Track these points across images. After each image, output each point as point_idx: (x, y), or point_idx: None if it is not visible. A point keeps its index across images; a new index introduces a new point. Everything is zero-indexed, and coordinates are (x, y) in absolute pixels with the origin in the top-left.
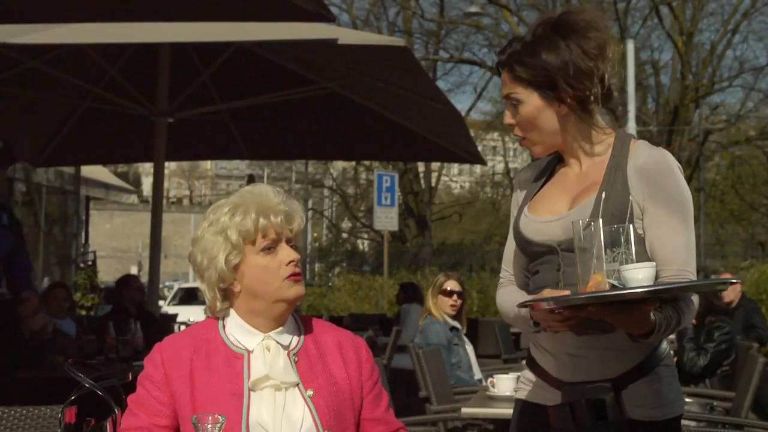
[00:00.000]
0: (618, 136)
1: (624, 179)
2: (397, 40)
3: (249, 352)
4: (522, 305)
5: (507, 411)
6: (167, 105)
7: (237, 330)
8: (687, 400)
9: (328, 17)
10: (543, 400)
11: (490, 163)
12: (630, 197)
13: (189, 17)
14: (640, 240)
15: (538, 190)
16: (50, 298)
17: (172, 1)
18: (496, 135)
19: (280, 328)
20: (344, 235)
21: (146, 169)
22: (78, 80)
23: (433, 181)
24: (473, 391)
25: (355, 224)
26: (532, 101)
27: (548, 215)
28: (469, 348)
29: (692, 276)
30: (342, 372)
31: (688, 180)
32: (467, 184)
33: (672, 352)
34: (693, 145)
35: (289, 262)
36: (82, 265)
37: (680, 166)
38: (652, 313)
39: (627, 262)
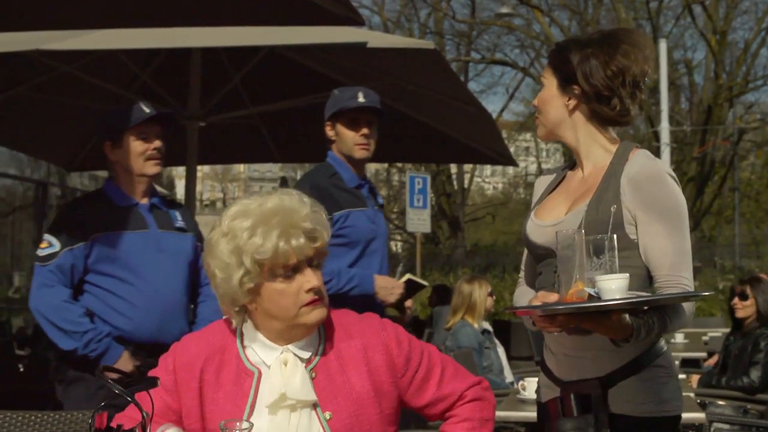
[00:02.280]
0: (621, 145)
1: (616, 186)
2: (427, 43)
3: (260, 371)
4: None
5: None
6: (199, 109)
7: (254, 342)
8: (720, 403)
9: (356, 21)
10: (549, 398)
11: (522, 164)
12: (621, 204)
13: (219, 22)
14: (633, 245)
15: (547, 195)
16: None
17: (202, 7)
18: (528, 136)
19: (303, 341)
20: None
21: (180, 172)
22: (110, 85)
23: (466, 182)
24: (504, 394)
25: (388, 226)
26: (550, 87)
27: (548, 219)
28: (501, 351)
29: (686, 281)
30: (366, 384)
31: (723, 180)
32: (500, 185)
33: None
34: (727, 144)
35: (309, 290)
36: None
37: (674, 175)
38: (630, 319)
39: (611, 271)
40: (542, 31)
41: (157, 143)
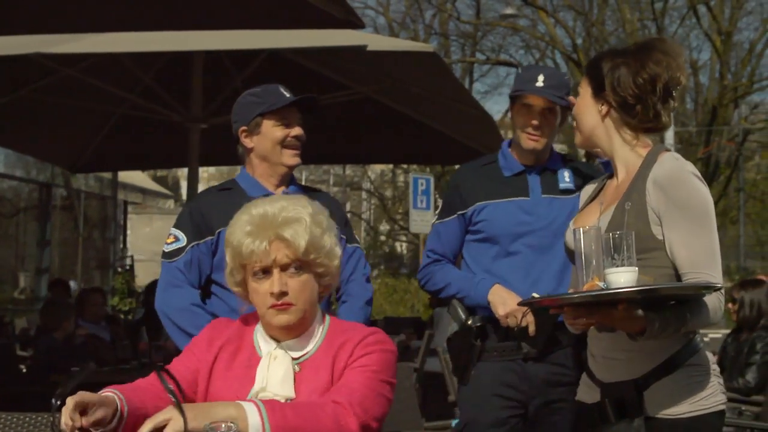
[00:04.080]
0: (651, 149)
1: (642, 189)
2: (427, 46)
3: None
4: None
5: None
6: (201, 111)
7: (260, 334)
8: None
9: (357, 24)
10: (589, 398)
11: None
12: (646, 205)
13: (221, 25)
14: (661, 245)
15: (587, 204)
16: (86, 303)
17: (204, 11)
18: None
19: (298, 338)
20: (382, 238)
21: (185, 173)
22: (113, 88)
23: None
24: None
25: (393, 227)
26: (585, 95)
27: (583, 226)
28: None
29: (713, 278)
30: (328, 382)
31: (728, 180)
32: None
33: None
34: (732, 145)
35: (272, 294)
36: (120, 269)
37: (699, 174)
38: (645, 313)
39: (628, 266)
40: (547, 31)
41: (297, 130)
